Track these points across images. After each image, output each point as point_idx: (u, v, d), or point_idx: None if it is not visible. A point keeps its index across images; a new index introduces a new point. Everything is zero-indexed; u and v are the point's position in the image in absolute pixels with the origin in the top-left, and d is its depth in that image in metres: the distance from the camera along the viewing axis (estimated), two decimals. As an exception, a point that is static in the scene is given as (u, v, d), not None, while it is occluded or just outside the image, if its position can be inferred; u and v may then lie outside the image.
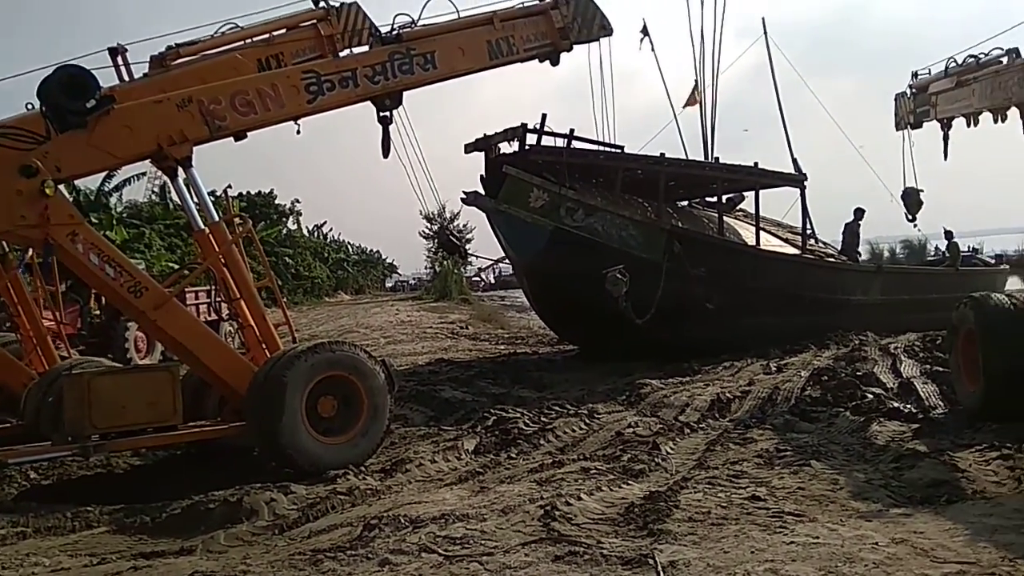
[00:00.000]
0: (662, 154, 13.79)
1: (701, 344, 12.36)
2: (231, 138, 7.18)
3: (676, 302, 12.20)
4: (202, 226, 6.95)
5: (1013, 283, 23.79)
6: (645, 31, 17.07)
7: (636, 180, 13.81)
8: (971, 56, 9.61)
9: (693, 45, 17.43)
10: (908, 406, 7.90)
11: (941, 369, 9.33)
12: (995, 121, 9.27)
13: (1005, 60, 8.97)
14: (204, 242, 6.95)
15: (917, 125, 11.17)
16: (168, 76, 7.27)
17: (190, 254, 22.46)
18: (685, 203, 16.63)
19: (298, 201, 48.66)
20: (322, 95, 7.33)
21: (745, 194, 16.84)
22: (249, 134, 7.35)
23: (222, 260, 6.89)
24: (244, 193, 43.80)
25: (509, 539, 4.49)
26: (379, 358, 7.19)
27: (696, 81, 17.74)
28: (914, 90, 11.07)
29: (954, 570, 3.75)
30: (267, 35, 7.99)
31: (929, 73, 10.69)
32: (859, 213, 17.48)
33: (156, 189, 35.36)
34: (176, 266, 23.66)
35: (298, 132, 7.69)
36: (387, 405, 6.91)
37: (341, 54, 8.10)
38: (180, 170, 6.85)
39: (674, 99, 17.84)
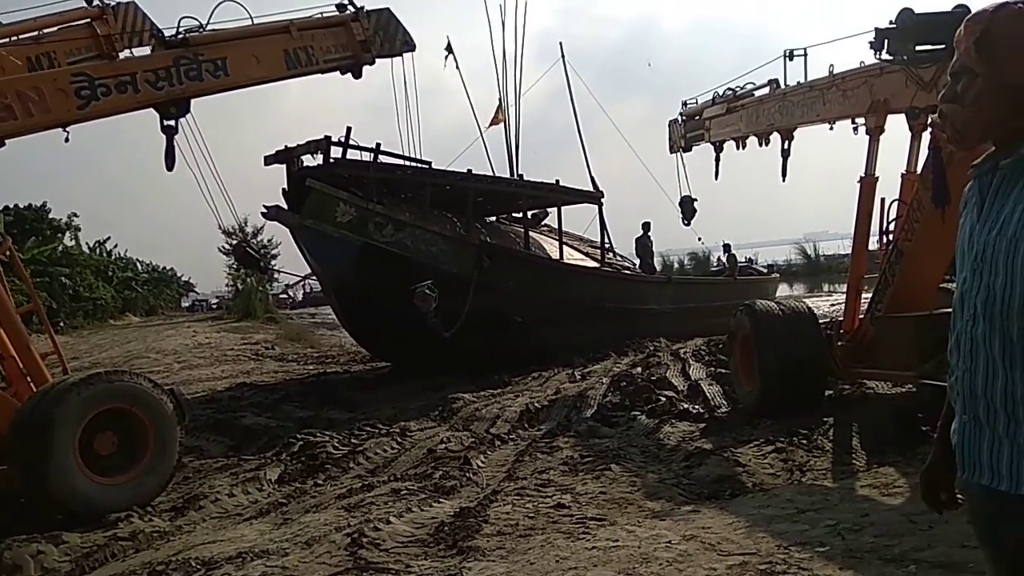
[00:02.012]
0: (469, 170, 13.98)
1: (511, 355, 12.62)
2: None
3: (486, 316, 12.37)
4: (-52, 245, 6.10)
5: (782, 290, 26.58)
6: (449, 48, 17.33)
7: (444, 195, 13.88)
8: (729, 88, 10.70)
9: (496, 65, 17.90)
10: (696, 407, 8.49)
11: (724, 371, 10.11)
12: (760, 144, 10.30)
13: (767, 90, 9.99)
14: (-49, 263, 6.10)
15: (688, 148, 12.29)
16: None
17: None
18: (492, 218, 16.99)
19: (76, 215, 44.27)
20: (96, 100, 6.69)
21: (548, 210, 17.51)
22: (10, 141, 6.56)
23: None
24: (11, 207, 39.21)
25: (312, 573, 4.28)
26: (167, 386, 6.63)
27: (500, 100, 18.23)
28: (684, 117, 12.15)
29: (737, 562, 4.03)
30: (36, 32, 7.19)
31: (696, 103, 11.78)
32: (647, 226, 18.82)
33: (-101, 202, 30.71)
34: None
35: (66, 140, 6.95)
36: (176, 437, 6.35)
37: (122, 55, 7.47)
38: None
39: (480, 117, 18.19)
